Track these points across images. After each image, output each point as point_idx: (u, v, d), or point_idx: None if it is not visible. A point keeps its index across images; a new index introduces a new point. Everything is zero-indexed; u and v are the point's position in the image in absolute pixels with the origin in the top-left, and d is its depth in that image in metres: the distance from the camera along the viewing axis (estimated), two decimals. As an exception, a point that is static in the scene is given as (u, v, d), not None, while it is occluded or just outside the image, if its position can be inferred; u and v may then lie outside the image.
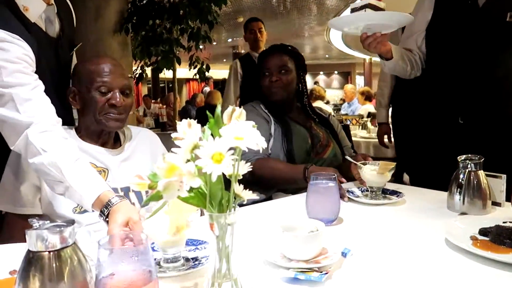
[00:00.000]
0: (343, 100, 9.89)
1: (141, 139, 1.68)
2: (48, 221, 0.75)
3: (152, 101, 11.10)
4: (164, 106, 7.62)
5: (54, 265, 0.69)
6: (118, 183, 1.52)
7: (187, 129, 0.81)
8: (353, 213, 1.41)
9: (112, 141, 1.59)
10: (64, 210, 1.40)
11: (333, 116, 2.23)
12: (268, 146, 2.00)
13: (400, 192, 1.54)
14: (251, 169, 0.73)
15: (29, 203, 1.37)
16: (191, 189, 0.70)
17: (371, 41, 1.74)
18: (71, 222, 0.73)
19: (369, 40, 1.74)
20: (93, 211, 1.20)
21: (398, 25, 1.73)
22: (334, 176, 1.25)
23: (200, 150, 0.68)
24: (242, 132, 0.69)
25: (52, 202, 1.40)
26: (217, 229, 0.73)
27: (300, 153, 1.93)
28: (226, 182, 0.72)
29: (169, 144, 1.81)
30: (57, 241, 0.69)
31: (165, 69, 4.85)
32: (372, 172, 1.49)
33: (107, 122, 1.48)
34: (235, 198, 0.73)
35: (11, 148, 1.24)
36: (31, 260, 0.69)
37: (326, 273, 0.88)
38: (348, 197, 1.51)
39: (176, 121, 3.39)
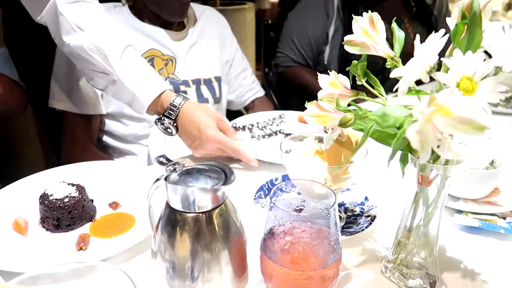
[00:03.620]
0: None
1: (206, 21, 1.36)
2: (182, 162, 0.53)
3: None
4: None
5: (205, 226, 0.49)
6: (188, 74, 1.26)
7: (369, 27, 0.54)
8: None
9: (175, 22, 1.28)
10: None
11: None
12: (324, 55, 1.66)
13: None
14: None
15: (90, 102, 1.14)
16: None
17: None
18: (221, 168, 0.51)
19: None
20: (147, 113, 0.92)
21: None
22: None
23: (442, 74, 0.42)
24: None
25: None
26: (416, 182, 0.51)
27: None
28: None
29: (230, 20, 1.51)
30: (208, 202, 0.48)
31: None
32: None
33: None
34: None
35: (36, 20, 0.91)
36: (177, 221, 0.48)
37: (517, 222, 0.68)
38: None
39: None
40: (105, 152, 1.23)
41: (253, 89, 1.50)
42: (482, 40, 0.43)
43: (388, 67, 0.55)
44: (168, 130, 0.92)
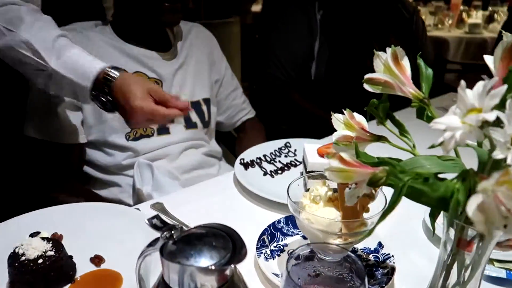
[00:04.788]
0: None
1: (194, 39, 1.29)
2: (179, 226, 0.44)
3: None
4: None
5: (209, 307, 0.41)
6: (175, 99, 1.18)
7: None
8: None
9: (162, 41, 1.20)
10: (115, 136, 1.08)
11: (417, 11, 1.72)
12: (311, 71, 1.61)
13: None
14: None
15: (69, 130, 1.05)
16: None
17: None
18: (228, 233, 0.43)
19: None
20: (91, 100, 0.86)
21: None
22: None
23: (497, 131, 0.35)
24: None
25: (98, 126, 1.07)
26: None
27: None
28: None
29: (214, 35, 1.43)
30: (213, 282, 0.40)
31: None
32: None
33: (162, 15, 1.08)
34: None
35: None
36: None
37: (547, 271, 0.62)
38: None
39: None
40: (86, 184, 1.13)
41: (244, 110, 1.42)
42: (540, 88, 0.36)
43: (414, 106, 0.49)
44: (107, 106, 0.87)
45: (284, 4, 1.63)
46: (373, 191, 0.45)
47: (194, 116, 1.21)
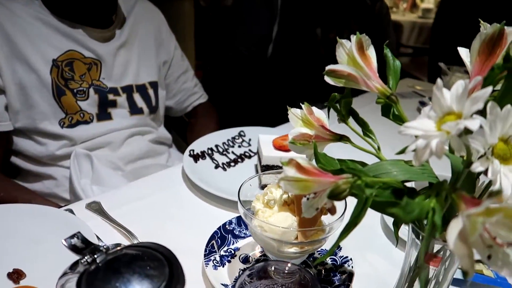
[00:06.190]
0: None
1: (139, 16, 1.16)
2: (104, 246, 0.37)
3: None
4: None
5: None
6: (117, 81, 1.07)
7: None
8: None
9: (100, 17, 1.07)
10: (47, 123, 0.96)
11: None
12: (267, 53, 1.54)
13: None
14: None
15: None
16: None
17: None
18: (165, 254, 0.36)
19: None
20: None
21: None
22: None
23: (477, 140, 0.30)
24: None
25: (26, 112, 0.94)
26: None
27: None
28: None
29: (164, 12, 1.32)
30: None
31: None
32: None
33: None
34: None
35: None
36: None
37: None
38: None
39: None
40: (16, 176, 1.01)
41: (196, 94, 1.33)
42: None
43: (380, 103, 0.44)
44: None
45: None
46: (334, 204, 0.40)
47: (139, 101, 1.11)
